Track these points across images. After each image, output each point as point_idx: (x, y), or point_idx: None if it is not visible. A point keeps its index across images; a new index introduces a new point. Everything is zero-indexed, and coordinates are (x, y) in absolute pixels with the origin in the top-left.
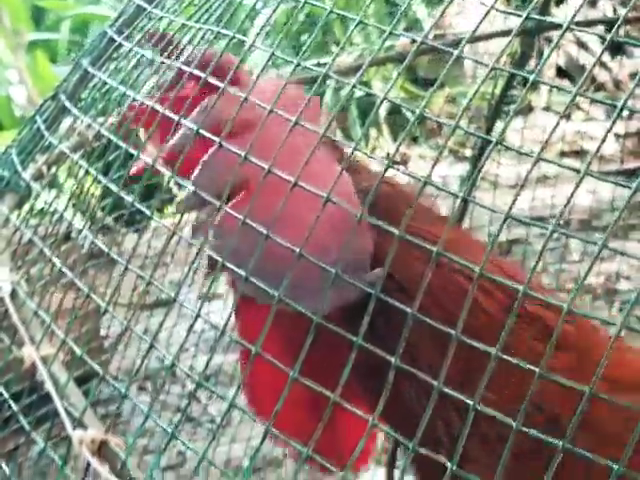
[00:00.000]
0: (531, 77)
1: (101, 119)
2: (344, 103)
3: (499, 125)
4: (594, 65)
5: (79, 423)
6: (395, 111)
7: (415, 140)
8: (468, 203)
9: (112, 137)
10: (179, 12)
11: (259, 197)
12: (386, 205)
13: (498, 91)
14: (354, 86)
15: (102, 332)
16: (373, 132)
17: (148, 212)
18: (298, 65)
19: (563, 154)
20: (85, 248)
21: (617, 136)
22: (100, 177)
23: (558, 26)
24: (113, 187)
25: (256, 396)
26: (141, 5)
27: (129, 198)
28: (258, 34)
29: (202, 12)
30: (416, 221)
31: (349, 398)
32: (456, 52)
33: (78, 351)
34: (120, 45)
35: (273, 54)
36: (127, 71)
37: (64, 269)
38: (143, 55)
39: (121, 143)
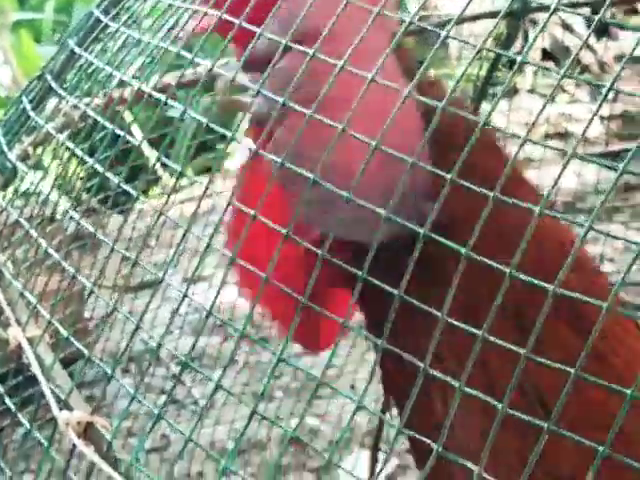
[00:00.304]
0: (518, 59)
1: (87, 100)
2: None
3: (485, 107)
4: (580, 48)
5: (65, 405)
6: None
7: None
8: None
9: (98, 118)
10: None
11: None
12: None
13: (484, 73)
14: (342, 67)
15: (86, 314)
16: None
17: (134, 192)
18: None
19: (547, 136)
20: (70, 230)
21: (602, 118)
22: (86, 158)
23: (544, 7)
24: (99, 168)
25: (246, 271)
26: None
27: (115, 179)
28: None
29: None
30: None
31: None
32: (444, 33)
33: (64, 332)
34: (107, 25)
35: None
36: (113, 52)
37: (50, 251)
38: (130, 35)
39: (108, 124)
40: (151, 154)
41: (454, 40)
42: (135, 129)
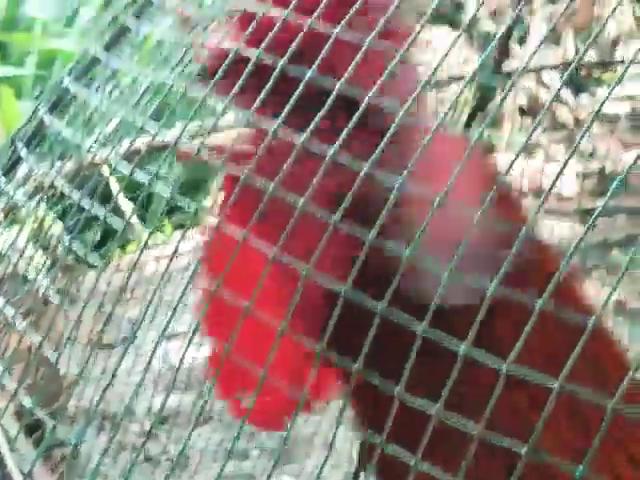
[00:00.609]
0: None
1: (58, 165)
2: None
3: None
4: (551, 102)
5: (29, 476)
6: None
7: None
8: None
9: (65, 188)
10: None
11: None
12: None
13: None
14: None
15: (61, 371)
16: None
17: (112, 244)
18: None
19: (524, 192)
20: (43, 290)
21: (577, 176)
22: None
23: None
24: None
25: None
26: (96, 56)
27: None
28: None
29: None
30: None
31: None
32: (413, 96)
33: (27, 404)
34: (76, 93)
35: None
36: (83, 119)
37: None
38: (98, 104)
39: (73, 194)
40: (128, 209)
41: (430, 101)
42: (114, 185)
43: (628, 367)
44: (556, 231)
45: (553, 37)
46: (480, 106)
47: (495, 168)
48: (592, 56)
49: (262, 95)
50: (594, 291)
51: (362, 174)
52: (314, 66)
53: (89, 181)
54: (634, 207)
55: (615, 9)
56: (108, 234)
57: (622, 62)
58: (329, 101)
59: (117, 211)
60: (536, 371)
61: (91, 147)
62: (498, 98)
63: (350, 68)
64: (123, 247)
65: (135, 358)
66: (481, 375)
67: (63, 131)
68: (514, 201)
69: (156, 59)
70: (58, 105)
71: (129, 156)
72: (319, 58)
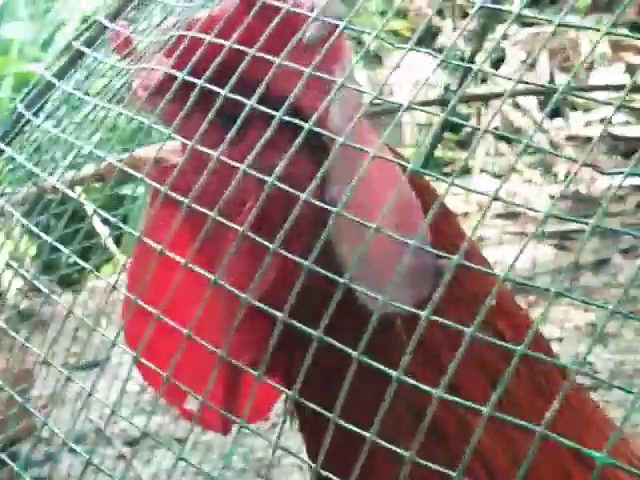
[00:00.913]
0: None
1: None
2: None
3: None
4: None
5: None
6: None
7: None
8: None
9: (15, 213)
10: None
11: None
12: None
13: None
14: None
15: (35, 392)
16: None
17: (88, 266)
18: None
19: (499, 216)
20: (20, 307)
21: (551, 197)
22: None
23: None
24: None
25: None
26: (51, 81)
27: (66, 251)
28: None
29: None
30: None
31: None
32: (397, 116)
33: None
34: (29, 120)
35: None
36: (34, 146)
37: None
38: (49, 131)
39: (23, 220)
40: (103, 231)
41: (407, 125)
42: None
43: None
44: (534, 254)
45: (527, 61)
46: (446, 128)
47: (428, 189)
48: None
49: (186, 109)
50: (565, 314)
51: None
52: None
53: (50, 205)
54: (606, 229)
55: (596, 45)
56: (84, 255)
57: (601, 87)
58: (243, 114)
59: (92, 233)
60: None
61: (50, 172)
62: (472, 121)
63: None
64: (98, 269)
65: (112, 380)
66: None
67: (16, 157)
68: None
69: (105, 87)
70: (10, 132)
71: (81, 181)
72: (237, 73)
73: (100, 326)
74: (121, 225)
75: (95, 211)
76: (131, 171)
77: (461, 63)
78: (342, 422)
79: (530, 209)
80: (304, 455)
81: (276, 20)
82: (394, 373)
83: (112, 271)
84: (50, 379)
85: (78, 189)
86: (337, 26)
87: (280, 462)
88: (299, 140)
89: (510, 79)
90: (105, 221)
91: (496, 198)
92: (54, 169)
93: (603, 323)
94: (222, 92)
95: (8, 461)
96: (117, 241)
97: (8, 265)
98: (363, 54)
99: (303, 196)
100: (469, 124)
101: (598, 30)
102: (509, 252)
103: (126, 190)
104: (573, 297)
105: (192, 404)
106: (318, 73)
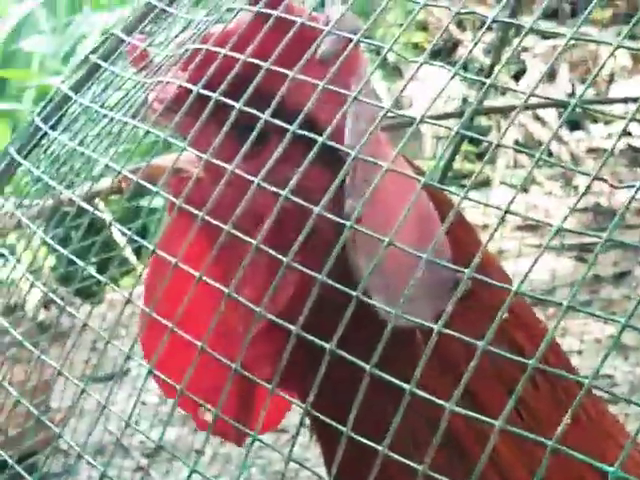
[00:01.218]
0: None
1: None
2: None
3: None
4: (551, 139)
5: None
6: None
7: None
8: None
9: (31, 225)
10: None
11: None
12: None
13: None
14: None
15: (53, 405)
16: None
17: (104, 279)
18: None
19: (519, 228)
20: (38, 319)
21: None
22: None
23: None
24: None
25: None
26: (67, 94)
27: (84, 264)
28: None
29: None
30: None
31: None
32: (412, 127)
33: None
34: (46, 133)
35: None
36: (51, 159)
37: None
38: (66, 144)
39: (41, 232)
40: (123, 242)
41: (427, 137)
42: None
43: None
44: (553, 266)
45: (548, 73)
46: (464, 140)
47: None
48: (588, 93)
49: (201, 121)
50: (585, 326)
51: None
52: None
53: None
54: (627, 242)
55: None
56: (104, 266)
57: (619, 100)
58: (257, 127)
59: (112, 244)
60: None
61: (66, 185)
62: (492, 134)
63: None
64: (117, 281)
65: (131, 392)
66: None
67: (33, 170)
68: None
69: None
70: (28, 144)
71: (98, 193)
72: (252, 85)
73: (118, 338)
74: (136, 238)
75: (111, 222)
76: (146, 184)
77: (475, 77)
78: (355, 435)
79: (540, 221)
80: (319, 468)
81: (290, 33)
82: (406, 386)
83: (132, 283)
84: (68, 391)
85: (96, 201)
86: (352, 40)
87: (298, 474)
88: (312, 153)
89: (523, 93)
90: (124, 233)
91: (508, 211)
92: (71, 182)
93: (617, 336)
94: (237, 105)
95: (24, 474)
96: (137, 252)
97: (27, 277)
98: (381, 66)
99: (316, 210)
100: (482, 138)
101: (610, 44)
102: (528, 264)
103: (143, 202)
104: (585, 311)
105: (208, 415)
106: (333, 86)
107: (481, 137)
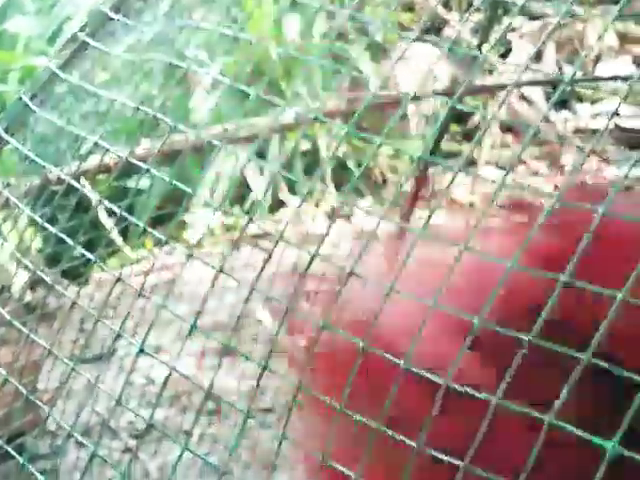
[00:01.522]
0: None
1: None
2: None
3: (445, 177)
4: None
5: None
6: (341, 165)
7: (360, 194)
8: None
9: (19, 204)
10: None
11: None
12: None
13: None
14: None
15: (41, 386)
16: (318, 186)
17: (92, 257)
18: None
19: (506, 207)
20: (25, 300)
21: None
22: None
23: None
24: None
25: None
26: (55, 72)
27: (72, 243)
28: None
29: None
30: None
31: None
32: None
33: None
34: (33, 111)
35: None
36: (39, 137)
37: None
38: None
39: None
40: (109, 223)
41: (413, 116)
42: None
43: None
44: None
45: (535, 53)
46: (452, 120)
47: None
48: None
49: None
50: None
51: None
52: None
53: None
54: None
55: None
56: (90, 248)
57: (608, 78)
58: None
59: (98, 226)
60: None
61: (54, 164)
62: (479, 114)
63: None
64: (103, 262)
65: (118, 372)
66: None
67: (21, 148)
68: None
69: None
70: (16, 123)
71: (86, 172)
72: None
73: (107, 318)
74: (126, 215)
75: (100, 201)
76: (136, 162)
77: (466, 51)
78: None
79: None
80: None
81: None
82: None
83: (118, 264)
84: (56, 372)
85: (83, 181)
86: None
87: (286, 455)
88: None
89: (517, 65)
90: (110, 213)
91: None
92: (59, 160)
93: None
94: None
95: (14, 454)
96: (124, 234)
97: (14, 257)
98: (367, 47)
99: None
100: (474, 109)
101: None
102: None
103: (130, 183)
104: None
105: None
106: None
107: (474, 109)
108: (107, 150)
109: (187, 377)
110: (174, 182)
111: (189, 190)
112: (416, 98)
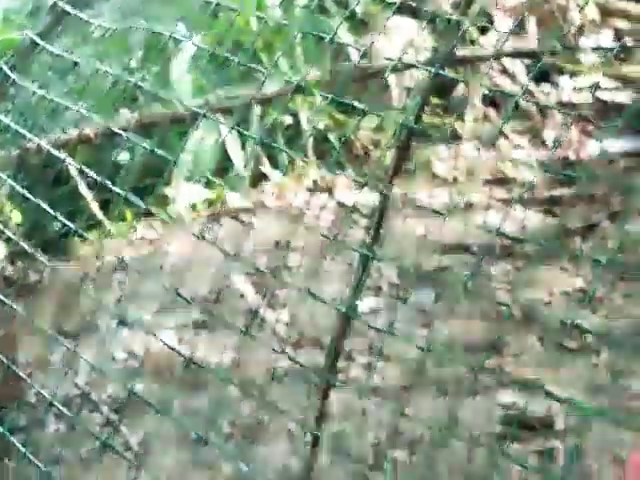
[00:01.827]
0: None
1: None
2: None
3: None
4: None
5: None
6: (322, 138)
7: (341, 167)
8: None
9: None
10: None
11: None
12: None
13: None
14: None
15: (21, 359)
16: (300, 159)
17: (73, 226)
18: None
19: (487, 182)
20: (2, 274)
21: (540, 163)
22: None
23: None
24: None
25: None
26: (35, 40)
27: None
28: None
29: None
30: None
31: None
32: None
33: None
34: (14, 81)
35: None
36: (20, 108)
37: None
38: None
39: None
40: (88, 195)
41: (395, 87)
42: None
43: None
44: (525, 221)
45: (516, 27)
46: (433, 93)
47: None
48: (556, 45)
49: None
50: (554, 279)
51: None
52: None
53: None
54: (595, 195)
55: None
56: (70, 220)
57: (593, 49)
58: None
59: (77, 198)
60: None
61: (34, 134)
62: (459, 86)
63: None
64: (83, 236)
65: (99, 346)
66: None
67: (1, 119)
68: None
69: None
70: None
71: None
72: None
73: (86, 291)
74: (107, 183)
75: (80, 171)
76: (117, 131)
77: (447, 23)
78: None
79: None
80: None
81: None
82: None
83: (97, 236)
84: (36, 346)
85: (61, 154)
86: None
87: (269, 426)
88: None
89: (506, 33)
90: (90, 186)
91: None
92: (39, 130)
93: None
94: None
95: None
96: (103, 207)
97: None
98: (347, 19)
99: None
100: (457, 76)
101: None
102: (496, 217)
103: (111, 156)
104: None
105: None
106: None
107: (458, 78)
108: (88, 119)
109: (168, 345)
110: (156, 150)
111: (171, 158)
112: (397, 69)
